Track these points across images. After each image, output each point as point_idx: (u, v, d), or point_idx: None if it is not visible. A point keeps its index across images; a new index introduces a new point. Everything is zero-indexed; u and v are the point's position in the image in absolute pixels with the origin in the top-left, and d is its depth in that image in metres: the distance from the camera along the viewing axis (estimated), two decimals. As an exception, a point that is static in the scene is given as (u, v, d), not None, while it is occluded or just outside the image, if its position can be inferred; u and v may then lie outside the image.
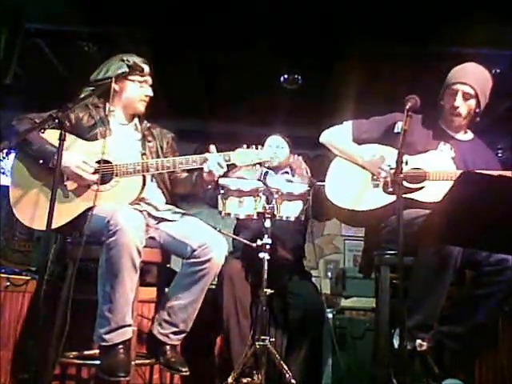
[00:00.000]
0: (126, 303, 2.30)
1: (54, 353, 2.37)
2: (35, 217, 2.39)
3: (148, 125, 2.73)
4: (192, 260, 2.43)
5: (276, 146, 3.27)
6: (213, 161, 2.46)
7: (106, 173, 2.46)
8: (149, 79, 2.66)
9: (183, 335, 2.50)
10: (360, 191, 2.65)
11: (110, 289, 2.28)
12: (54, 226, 2.17)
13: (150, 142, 2.69)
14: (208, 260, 2.41)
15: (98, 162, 2.46)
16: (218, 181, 2.61)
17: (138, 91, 2.65)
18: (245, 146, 2.50)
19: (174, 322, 2.46)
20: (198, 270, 2.42)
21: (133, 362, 2.42)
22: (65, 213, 2.41)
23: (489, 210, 1.71)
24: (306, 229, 3.23)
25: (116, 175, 2.46)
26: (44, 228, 2.18)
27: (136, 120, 2.72)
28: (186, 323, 2.47)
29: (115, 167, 2.46)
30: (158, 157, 2.65)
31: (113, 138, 2.53)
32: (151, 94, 2.67)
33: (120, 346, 2.28)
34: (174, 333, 2.46)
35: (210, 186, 2.58)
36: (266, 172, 3.19)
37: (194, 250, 2.42)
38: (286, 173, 3.29)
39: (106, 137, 2.48)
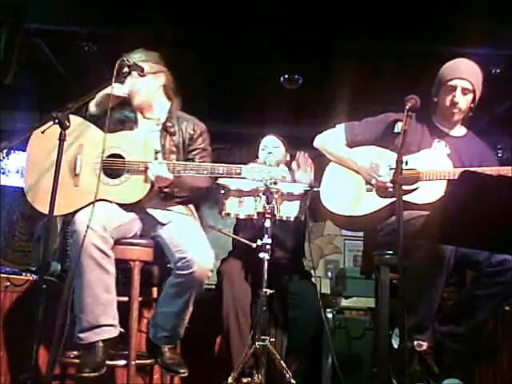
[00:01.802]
0: (96, 302, 2.31)
1: (54, 353, 2.37)
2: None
3: (175, 117, 2.69)
4: (176, 271, 2.41)
5: (272, 146, 3.27)
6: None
7: (117, 168, 2.46)
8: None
9: (176, 340, 2.51)
10: (355, 196, 2.64)
11: (77, 288, 2.30)
12: (60, 212, 2.18)
13: (172, 135, 2.66)
14: (189, 274, 2.37)
15: (110, 156, 2.46)
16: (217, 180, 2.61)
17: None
18: (258, 160, 2.50)
19: (165, 327, 2.47)
20: (180, 283, 2.40)
21: (133, 362, 2.43)
22: (72, 202, 2.43)
23: (489, 209, 1.71)
24: (306, 228, 3.23)
25: (127, 171, 2.46)
26: (60, 213, 2.25)
27: (159, 113, 2.69)
28: (176, 330, 2.47)
29: (127, 163, 2.46)
30: (179, 152, 2.64)
31: (129, 133, 2.53)
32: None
33: (100, 345, 2.30)
34: (166, 337, 2.48)
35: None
36: None
37: (177, 262, 2.40)
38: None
39: (107, 131, 2.43)
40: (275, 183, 2.49)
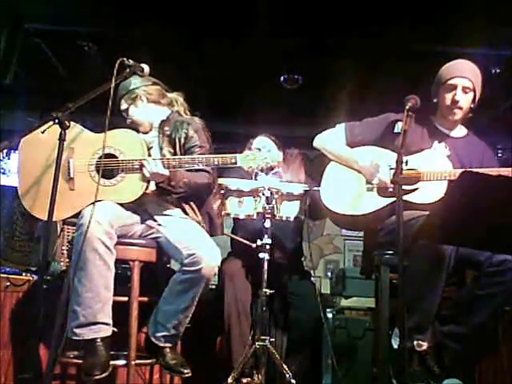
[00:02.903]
0: (95, 299, 2.31)
1: (54, 353, 2.37)
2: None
3: (174, 120, 2.71)
4: (183, 268, 2.42)
5: (263, 147, 3.26)
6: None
7: (111, 168, 2.45)
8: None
9: (175, 339, 2.51)
10: (356, 196, 2.64)
11: (77, 282, 2.30)
12: (59, 217, 2.21)
13: (168, 137, 2.67)
14: (197, 270, 2.38)
15: (101, 156, 2.45)
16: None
17: None
18: (252, 148, 2.45)
19: (167, 325, 2.46)
20: (188, 279, 2.41)
21: (133, 362, 2.43)
22: (70, 206, 2.43)
23: (489, 210, 1.71)
24: (303, 228, 3.23)
25: (122, 171, 2.46)
26: (58, 218, 2.27)
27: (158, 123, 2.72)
28: (177, 329, 2.47)
29: (122, 163, 2.45)
30: (176, 153, 2.63)
31: (121, 132, 2.53)
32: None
33: (100, 344, 2.30)
34: (164, 336, 2.47)
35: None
36: (256, 174, 3.14)
37: (185, 258, 2.41)
38: (278, 173, 3.27)
39: (106, 131, 2.41)
40: (272, 169, 2.46)
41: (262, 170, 2.49)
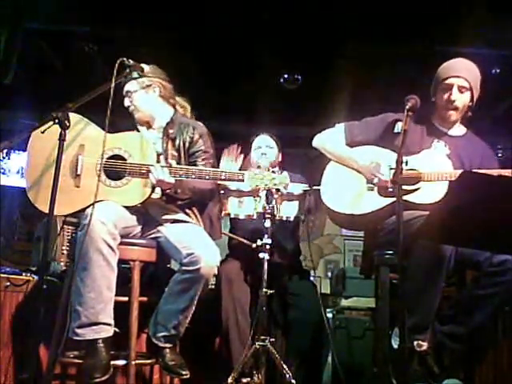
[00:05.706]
0: (98, 299, 2.30)
1: (54, 353, 2.37)
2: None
3: (177, 123, 2.71)
4: (182, 268, 2.43)
5: (266, 146, 3.26)
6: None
7: (118, 169, 2.46)
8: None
9: (175, 339, 2.51)
10: (356, 195, 2.64)
11: (79, 282, 2.30)
12: (61, 213, 2.25)
13: (172, 140, 2.67)
14: (196, 270, 2.38)
15: (111, 157, 2.46)
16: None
17: None
18: (252, 160, 2.46)
19: (167, 325, 2.46)
20: (187, 279, 2.41)
21: (133, 362, 2.43)
22: (73, 203, 2.43)
23: (489, 209, 1.71)
24: (299, 228, 3.23)
25: (129, 174, 2.46)
26: (61, 213, 2.30)
27: (161, 122, 2.72)
28: (177, 329, 2.47)
29: (129, 166, 2.46)
30: (180, 156, 2.64)
31: (131, 134, 2.54)
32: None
33: (101, 345, 2.29)
34: (165, 337, 2.47)
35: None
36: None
37: (184, 258, 2.41)
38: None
39: (106, 131, 2.39)
40: (278, 190, 2.48)
41: (268, 190, 2.49)
